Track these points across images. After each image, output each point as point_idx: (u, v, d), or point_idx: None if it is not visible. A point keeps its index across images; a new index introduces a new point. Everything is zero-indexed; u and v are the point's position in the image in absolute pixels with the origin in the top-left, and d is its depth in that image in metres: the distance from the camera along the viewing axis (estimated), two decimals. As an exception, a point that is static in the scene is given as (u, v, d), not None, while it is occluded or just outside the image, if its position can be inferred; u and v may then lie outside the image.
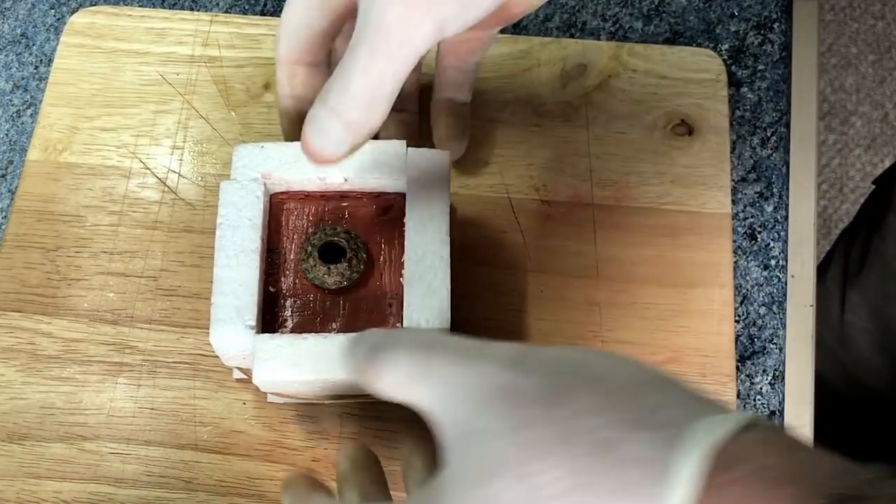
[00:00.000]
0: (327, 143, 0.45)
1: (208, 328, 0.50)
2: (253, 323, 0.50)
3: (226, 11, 0.71)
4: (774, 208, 0.66)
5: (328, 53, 0.54)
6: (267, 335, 0.49)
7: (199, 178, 0.65)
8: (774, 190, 0.66)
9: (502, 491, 0.32)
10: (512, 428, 0.33)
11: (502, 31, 0.58)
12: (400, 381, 0.39)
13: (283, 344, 0.49)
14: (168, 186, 0.65)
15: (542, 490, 0.32)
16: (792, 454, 0.31)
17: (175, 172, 0.65)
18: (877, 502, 0.28)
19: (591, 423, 0.32)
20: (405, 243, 0.52)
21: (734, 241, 0.65)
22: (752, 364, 0.63)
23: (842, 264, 0.89)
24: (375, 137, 0.50)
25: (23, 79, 0.70)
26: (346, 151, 0.46)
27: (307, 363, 0.49)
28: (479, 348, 0.38)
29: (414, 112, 0.62)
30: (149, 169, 0.65)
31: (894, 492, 0.28)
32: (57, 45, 0.69)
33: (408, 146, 0.54)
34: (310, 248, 0.52)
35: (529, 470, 0.32)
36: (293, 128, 0.54)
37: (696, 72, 0.68)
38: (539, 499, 0.32)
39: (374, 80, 0.44)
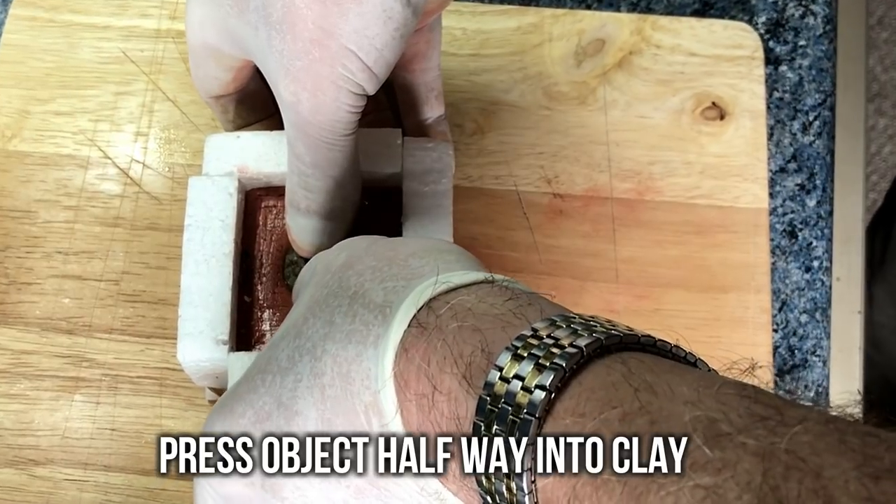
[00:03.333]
0: (318, 239, 0.50)
1: (176, 339, 0.50)
2: (226, 338, 0.50)
3: (196, -22, 0.71)
4: (817, 202, 0.66)
5: (252, 74, 0.55)
6: (242, 353, 0.49)
7: (166, 169, 0.65)
8: (817, 182, 0.66)
9: (281, 349, 0.40)
10: (310, 295, 0.41)
11: (509, 2, 0.58)
12: (297, 288, 0.47)
13: None
14: (131, 178, 0.64)
15: (304, 343, 0.39)
16: (510, 301, 0.35)
17: (139, 162, 0.65)
18: (555, 346, 0.32)
19: (356, 280, 0.39)
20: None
21: (772, 240, 0.65)
22: (793, 379, 0.63)
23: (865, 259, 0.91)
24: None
25: (-33, 55, 0.70)
26: (341, 236, 0.51)
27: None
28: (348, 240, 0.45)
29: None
30: (109, 158, 0.65)
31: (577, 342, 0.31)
32: (5, 17, 0.69)
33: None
34: (296, 258, 0.53)
35: (302, 328, 0.39)
36: None
37: (729, 48, 0.67)
38: (301, 351, 0.38)
39: (329, 168, 0.47)
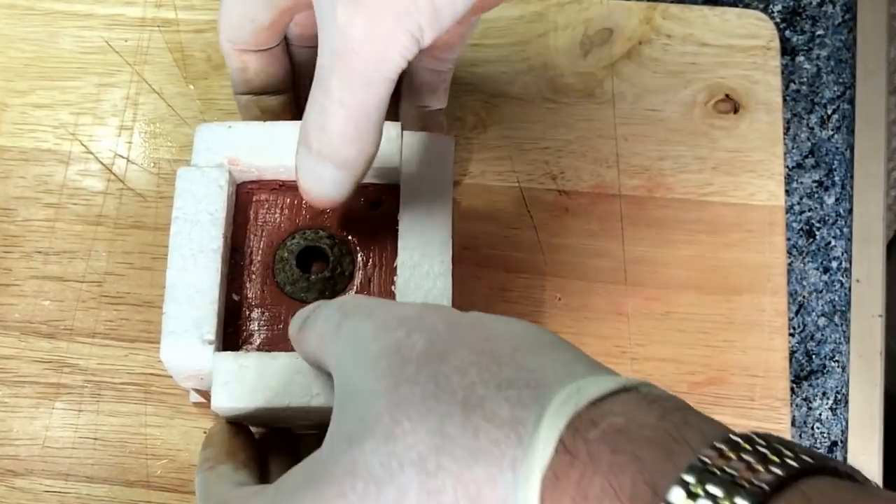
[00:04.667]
0: (325, 188, 0.48)
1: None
2: (212, 337, 0.49)
3: (184, -34, 0.71)
4: (836, 200, 0.66)
5: (283, 35, 0.54)
6: (229, 353, 0.49)
7: (152, 165, 0.65)
8: (836, 178, 0.66)
9: (370, 452, 0.36)
10: (388, 387, 0.37)
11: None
12: (316, 342, 0.44)
13: (247, 364, 0.48)
14: (114, 174, 0.64)
15: (406, 452, 0.35)
16: (664, 419, 0.33)
17: (123, 157, 0.65)
18: (732, 485, 0.30)
19: (463, 381, 0.36)
20: (399, 245, 0.52)
21: (788, 240, 0.65)
22: (810, 386, 0.63)
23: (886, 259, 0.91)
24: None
25: (-57, 46, 0.69)
26: (349, 188, 0.48)
27: (276, 388, 0.48)
28: (388, 308, 0.42)
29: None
30: (91, 153, 0.65)
31: (764, 480, 0.30)
32: (-17, 5, 0.69)
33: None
34: (286, 255, 0.53)
35: (396, 431, 0.36)
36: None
37: (743, 37, 0.67)
38: (402, 460, 0.35)
39: (355, 111, 0.45)
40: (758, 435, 0.32)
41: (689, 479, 0.30)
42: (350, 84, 0.44)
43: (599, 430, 0.33)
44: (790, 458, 0.31)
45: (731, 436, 0.32)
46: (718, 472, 0.30)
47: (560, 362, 0.37)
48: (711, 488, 0.30)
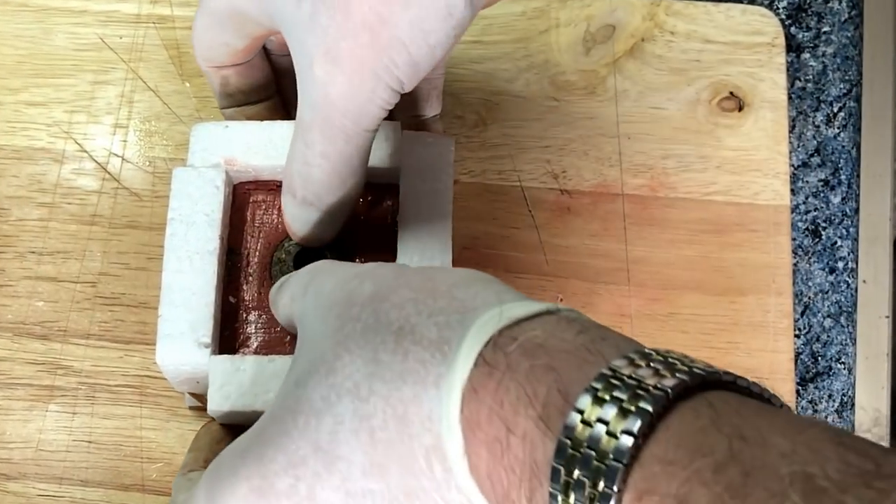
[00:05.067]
0: (313, 231, 0.50)
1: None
2: (208, 340, 0.49)
3: (180, -39, 0.71)
4: (842, 199, 0.66)
5: (260, 47, 0.55)
6: (225, 356, 0.49)
7: (147, 163, 0.64)
8: (842, 177, 0.66)
9: (311, 388, 0.39)
10: (335, 329, 0.40)
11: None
12: (287, 302, 0.46)
13: (244, 367, 0.49)
14: (109, 173, 0.64)
15: (344, 382, 0.38)
16: (580, 334, 0.35)
17: (118, 156, 0.64)
18: (638, 388, 0.31)
19: (400, 314, 0.38)
20: (398, 246, 0.52)
21: (794, 240, 0.65)
22: (816, 388, 0.63)
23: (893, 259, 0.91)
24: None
25: (-65, 42, 0.69)
26: (337, 228, 0.51)
27: (274, 392, 0.48)
28: (351, 266, 0.44)
29: None
30: (86, 152, 0.65)
31: (680, 383, 0.31)
32: (-25, 1, 0.69)
33: None
34: (284, 256, 0.53)
35: (337, 364, 0.38)
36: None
37: (748, 34, 0.67)
38: (339, 391, 0.38)
39: (338, 164, 0.47)
40: (673, 351, 0.34)
41: (598, 385, 0.32)
42: (332, 139, 0.46)
43: (518, 344, 0.35)
44: (699, 369, 0.32)
45: (645, 349, 0.34)
46: (626, 379, 0.32)
47: (492, 292, 0.38)
48: (617, 393, 0.31)
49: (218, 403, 0.48)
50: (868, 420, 0.62)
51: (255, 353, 0.51)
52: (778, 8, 0.69)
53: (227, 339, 0.51)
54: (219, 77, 0.55)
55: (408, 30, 0.43)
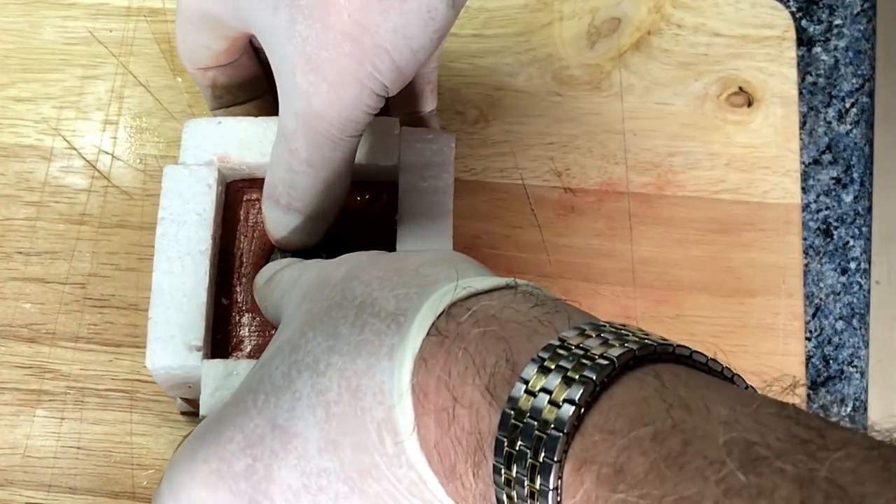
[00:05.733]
0: (297, 237, 0.51)
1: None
2: (200, 344, 0.49)
3: (172, -48, 0.71)
4: (854, 198, 0.66)
5: (245, 47, 0.55)
6: (218, 360, 0.49)
7: (138, 161, 0.64)
8: (854, 175, 0.66)
9: (274, 367, 0.39)
10: (305, 311, 0.41)
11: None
12: (277, 297, 0.47)
13: (238, 372, 0.48)
14: (99, 171, 0.64)
15: (304, 358, 0.38)
16: (535, 307, 0.35)
17: (108, 153, 0.64)
18: (584, 358, 0.32)
19: (365, 290, 0.39)
20: (396, 246, 0.52)
21: (804, 239, 0.65)
22: (827, 392, 0.63)
23: None
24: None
25: (-80, 36, 0.69)
26: (322, 233, 0.51)
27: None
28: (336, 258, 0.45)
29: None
30: (75, 149, 0.65)
31: (626, 353, 0.31)
32: (-39, -6, 0.68)
33: None
34: (279, 256, 0.52)
35: (301, 342, 0.39)
36: None
37: (758, 27, 0.67)
38: (300, 367, 0.38)
39: (324, 170, 0.47)
40: (630, 325, 0.34)
41: (545, 355, 0.32)
42: (317, 146, 0.46)
43: (471, 314, 0.36)
44: (651, 341, 0.32)
45: (601, 322, 0.34)
46: (573, 348, 0.32)
47: (458, 270, 0.39)
48: (563, 363, 0.32)
49: (210, 408, 0.48)
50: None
51: (249, 356, 0.51)
52: (789, 0, 0.69)
53: (220, 342, 0.51)
54: (205, 78, 0.55)
55: (390, 37, 0.43)
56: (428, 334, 0.36)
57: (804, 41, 0.68)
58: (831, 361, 0.63)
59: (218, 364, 0.49)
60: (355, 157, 0.48)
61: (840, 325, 0.63)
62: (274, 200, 0.49)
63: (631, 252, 0.63)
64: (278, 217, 0.50)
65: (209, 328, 0.51)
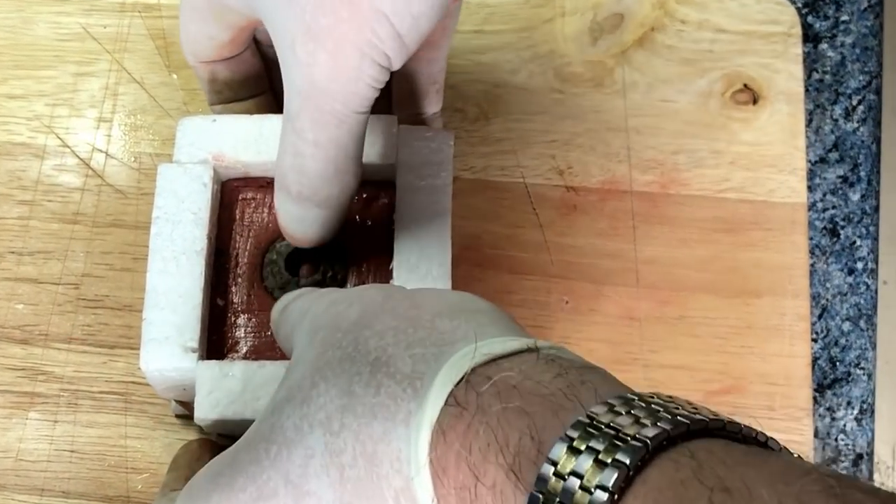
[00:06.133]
0: (310, 229, 0.49)
1: (142, 349, 0.50)
2: (195, 345, 0.49)
3: (167, -53, 0.71)
4: (861, 197, 0.66)
5: (249, 41, 0.55)
6: (213, 362, 0.49)
7: (132, 159, 0.64)
8: (862, 173, 0.66)
9: (286, 417, 0.38)
10: (317, 355, 0.39)
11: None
12: (289, 328, 0.46)
13: (233, 373, 0.48)
14: (93, 169, 0.64)
15: (317, 413, 0.37)
16: (559, 377, 0.34)
17: (101, 151, 0.64)
18: (616, 439, 0.31)
19: (378, 343, 0.38)
20: (394, 245, 0.52)
21: (811, 239, 0.64)
22: (834, 395, 0.63)
23: None
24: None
25: (-89, 32, 0.69)
26: (335, 226, 0.50)
27: (264, 399, 0.48)
28: (347, 290, 0.45)
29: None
30: (68, 147, 0.64)
31: (656, 434, 0.30)
32: (-48, -11, 0.68)
33: None
34: (275, 257, 0.53)
35: (312, 393, 0.38)
36: None
37: (763, 23, 0.67)
38: (312, 421, 0.37)
39: (332, 150, 0.46)
40: (660, 395, 0.33)
41: (574, 434, 0.31)
42: (322, 124, 0.45)
43: (491, 385, 0.34)
44: (684, 416, 0.31)
45: (628, 394, 0.33)
46: (604, 427, 0.31)
47: (476, 324, 0.38)
48: (594, 443, 0.31)
49: (206, 411, 0.48)
50: (889, 429, 0.62)
51: (245, 358, 0.51)
52: (794, -4, 0.69)
53: (215, 343, 0.51)
54: (207, 72, 0.55)
55: (389, 1, 0.42)
56: (446, 404, 0.35)
57: (810, 37, 0.68)
58: (838, 363, 0.63)
59: (213, 366, 0.49)
60: (363, 142, 0.47)
61: (847, 326, 0.63)
62: (285, 191, 0.48)
63: (634, 252, 0.63)
64: (291, 208, 0.49)
65: (204, 329, 0.50)
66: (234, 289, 0.52)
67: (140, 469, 0.58)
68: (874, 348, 0.63)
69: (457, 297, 0.41)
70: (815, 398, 0.62)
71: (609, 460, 0.30)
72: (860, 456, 0.61)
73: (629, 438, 0.30)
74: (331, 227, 0.50)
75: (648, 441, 0.30)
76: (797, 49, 0.66)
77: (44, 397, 0.60)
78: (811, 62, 0.68)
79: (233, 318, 0.52)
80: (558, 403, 0.33)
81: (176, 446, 0.58)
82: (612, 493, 0.29)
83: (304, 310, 0.45)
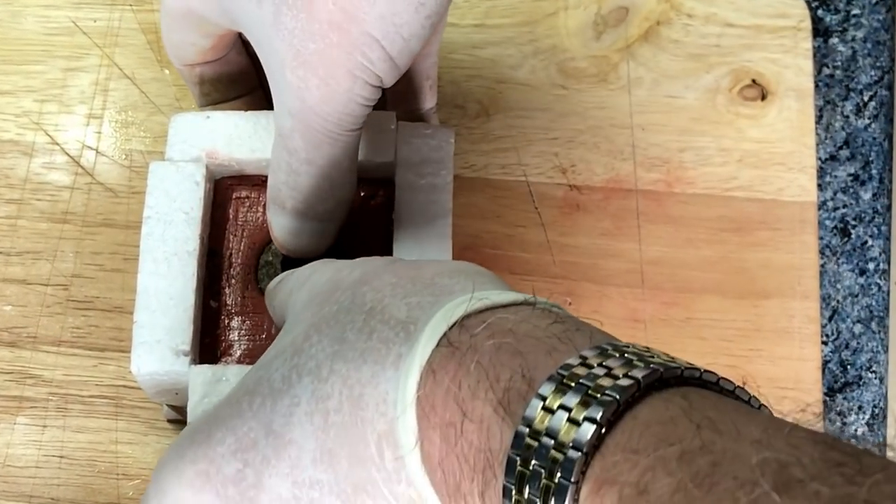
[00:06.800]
0: (306, 242, 0.50)
1: (132, 353, 0.50)
2: (187, 348, 0.49)
3: (159, -61, 0.71)
4: (873, 195, 0.66)
5: (234, 42, 0.55)
6: (206, 366, 0.49)
7: (123, 157, 0.64)
8: (873, 171, 0.66)
9: (274, 370, 0.39)
10: (313, 313, 0.40)
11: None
12: (284, 296, 0.47)
13: (227, 378, 0.48)
14: (82, 167, 0.64)
15: (307, 362, 0.38)
16: (555, 324, 0.35)
17: (92, 149, 0.64)
18: (607, 377, 0.31)
19: (373, 296, 0.39)
20: (393, 245, 0.52)
21: (821, 239, 0.64)
22: (845, 398, 0.63)
23: None
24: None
25: None
26: (332, 237, 0.51)
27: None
28: (351, 260, 0.45)
29: None
30: (57, 144, 0.64)
31: (644, 376, 0.31)
32: (-62, -18, 0.68)
33: None
34: (271, 258, 0.53)
35: (304, 345, 0.39)
36: None
37: (772, 17, 0.67)
38: (301, 371, 0.38)
39: (326, 167, 0.47)
40: (652, 349, 0.34)
41: (564, 372, 0.32)
42: (315, 144, 0.46)
43: (486, 326, 0.35)
44: (675, 365, 0.32)
45: (622, 343, 0.34)
46: (595, 367, 0.32)
47: (475, 282, 0.39)
48: (584, 381, 0.31)
49: (199, 417, 0.48)
50: (901, 433, 0.62)
51: (239, 362, 0.51)
52: (804, -11, 0.69)
53: (208, 346, 0.51)
54: (193, 75, 0.55)
55: (378, 24, 0.43)
56: (439, 345, 0.35)
57: (820, 31, 0.68)
58: (849, 366, 0.63)
59: (206, 370, 0.48)
60: (358, 152, 0.48)
61: (858, 328, 0.63)
62: (279, 205, 0.49)
63: (639, 252, 0.63)
64: (285, 222, 0.49)
65: (197, 332, 0.50)
66: (227, 290, 0.52)
67: (131, 475, 0.58)
68: (886, 351, 0.63)
69: (459, 263, 0.42)
70: (825, 402, 0.62)
71: (598, 396, 0.30)
72: (871, 462, 0.61)
73: (620, 377, 0.31)
74: (326, 240, 0.51)
75: (640, 380, 0.31)
76: (807, 44, 0.66)
77: (32, 401, 0.60)
78: (821, 57, 0.68)
79: (226, 321, 0.52)
80: (552, 346, 0.34)
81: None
82: (599, 426, 0.30)
83: (304, 277, 0.45)
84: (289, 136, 0.46)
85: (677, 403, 0.30)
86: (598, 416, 0.30)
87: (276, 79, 0.46)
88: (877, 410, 0.62)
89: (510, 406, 0.32)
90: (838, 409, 0.62)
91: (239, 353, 0.51)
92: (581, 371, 0.32)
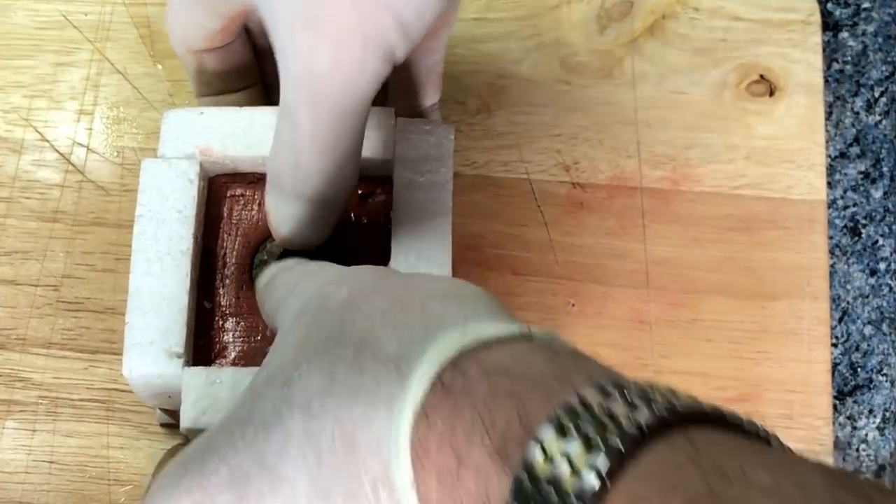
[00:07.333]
0: (306, 230, 0.49)
1: (125, 354, 0.50)
2: (181, 350, 0.49)
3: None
4: (884, 194, 0.66)
5: (241, 30, 0.54)
6: (200, 368, 0.49)
7: (115, 154, 0.64)
8: (884, 169, 0.66)
9: (266, 399, 0.39)
10: (303, 336, 0.40)
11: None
12: (274, 302, 0.46)
13: (221, 380, 0.48)
14: (73, 165, 0.64)
15: (297, 395, 0.38)
16: (552, 363, 0.34)
17: (82, 146, 0.64)
18: (609, 422, 0.30)
19: (365, 325, 0.38)
20: (392, 245, 0.51)
21: (830, 238, 0.64)
22: (855, 402, 0.63)
23: None
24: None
25: None
26: (332, 226, 0.50)
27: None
28: (338, 268, 0.45)
29: None
30: (47, 141, 0.64)
31: (642, 418, 0.30)
32: (-75, -25, 0.68)
33: None
34: (266, 258, 0.52)
35: (293, 376, 0.38)
36: None
37: (780, 11, 0.67)
38: (292, 404, 0.38)
39: (331, 144, 0.46)
40: (657, 385, 0.33)
41: (563, 415, 0.31)
42: (321, 117, 0.45)
43: (479, 367, 0.34)
44: (681, 404, 0.31)
45: (624, 380, 0.33)
46: (595, 410, 0.31)
47: (469, 308, 0.38)
48: (584, 426, 0.30)
49: (192, 420, 0.48)
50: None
51: (233, 364, 0.51)
52: (813, -18, 0.69)
53: (202, 348, 0.51)
54: (195, 62, 0.55)
55: None
56: (431, 387, 0.35)
57: (830, 25, 0.68)
58: (859, 369, 0.63)
59: (200, 372, 0.48)
60: (363, 138, 0.47)
61: (868, 330, 0.63)
62: (279, 187, 0.48)
63: (644, 252, 0.63)
64: (284, 207, 0.49)
65: (191, 334, 0.50)
66: (221, 291, 0.52)
67: (123, 480, 0.58)
68: (897, 354, 0.63)
69: (451, 283, 0.41)
70: (834, 406, 0.62)
71: (601, 443, 0.30)
72: (882, 467, 0.61)
73: (622, 421, 0.30)
74: (325, 228, 0.50)
75: (643, 425, 0.30)
76: (816, 38, 0.66)
77: (21, 405, 0.60)
78: (831, 52, 0.68)
79: (220, 322, 0.52)
80: (549, 387, 0.33)
81: (160, 457, 0.58)
82: (602, 475, 0.29)
83: (291, 285, 0.45)
84: (294, 108, 0.46)
85: (682, 449, 0.30)
86: (601, 464, 0.29)
87: (283, 47, 0.45)
88: (888, 414, 0.62)
89: (507, 452, 0.32)
90: (848, 413, 0.62)
91: (233, 355, 0.51)
92: (581, 413, 0.31)
